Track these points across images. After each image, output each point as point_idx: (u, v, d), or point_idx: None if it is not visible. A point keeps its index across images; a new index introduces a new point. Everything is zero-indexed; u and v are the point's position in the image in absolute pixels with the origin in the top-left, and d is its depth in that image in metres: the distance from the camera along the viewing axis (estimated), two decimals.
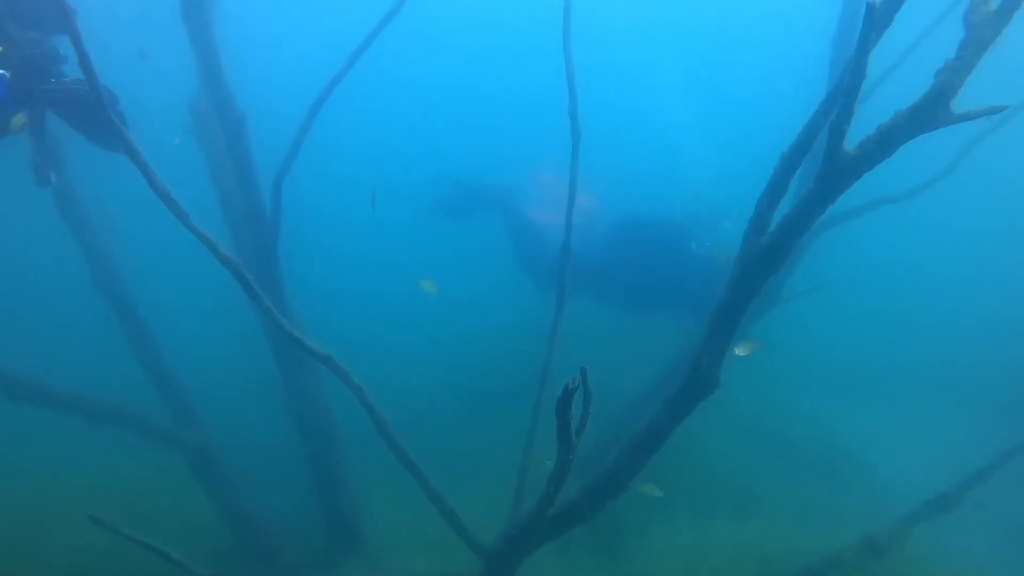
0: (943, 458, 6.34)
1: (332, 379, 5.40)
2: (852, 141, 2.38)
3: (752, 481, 6.89)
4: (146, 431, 5.55)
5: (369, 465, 6.01)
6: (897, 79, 5.93)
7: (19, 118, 3.43)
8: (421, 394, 8.12)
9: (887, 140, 2.30)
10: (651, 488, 4.32)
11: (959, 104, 2.25)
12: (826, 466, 7.47)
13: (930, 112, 2.20)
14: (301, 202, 4.96)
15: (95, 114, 3.34)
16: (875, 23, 2.06)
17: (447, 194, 8.30)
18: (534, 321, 4.88)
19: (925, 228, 14.09)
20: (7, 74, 3.26)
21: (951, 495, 4.13)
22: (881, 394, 9.04)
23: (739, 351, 3.26)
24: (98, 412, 5.30)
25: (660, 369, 6.61)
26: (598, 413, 2.49)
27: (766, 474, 7.23)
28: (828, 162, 2.38)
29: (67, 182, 5.54)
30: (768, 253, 2.78)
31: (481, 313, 10.58)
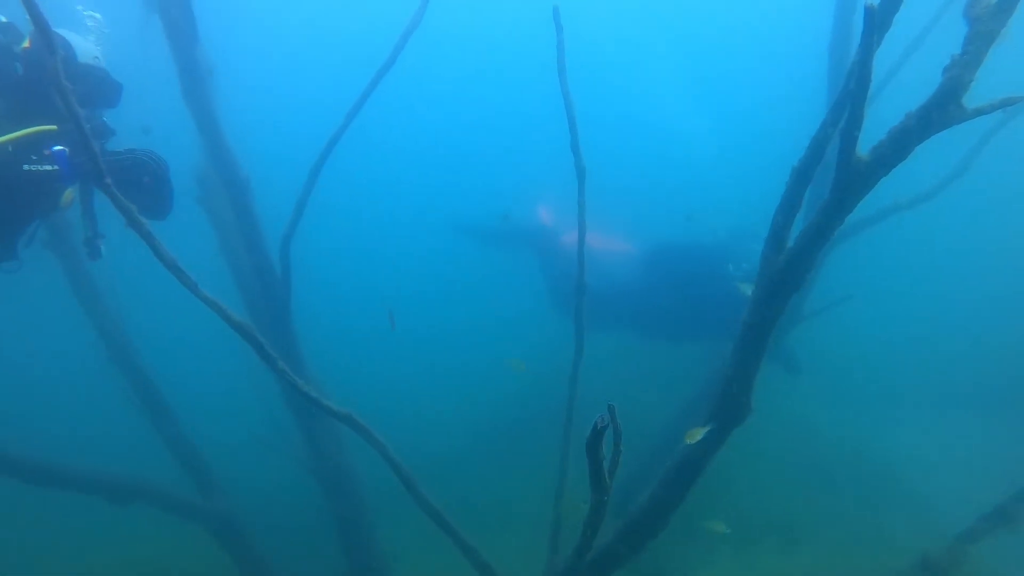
0: (988, 472, 6.10)
1: (353, 436, 5.36)
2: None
3: (792, 508, 6.64)
4: (169, 505, 5.47)
5: (396, 520, 5.87)
6: (898, 81, 5.91)
7: (68, 194, 3.49)
8: (446, 440, 8.00)
9: (900, 143, 2.24)
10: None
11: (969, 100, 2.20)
12: (868, 487, 7.21)
13: (942, 110, 2.14)
14: (315, 249, 4.96)
15: (146, 183, 3.43)
16: (875, 26, 2.02)
17: (483, 225, 8.38)
18: (556, 359, 4.80)
19: (959, 234, 13.88)
20: (66, 149, 3.31)
21: (1008, 509, 3.93)
22: (916, 409, 8.78)
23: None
24: (120, 490, 5.23)
25: (685, 400, 6.46)
26: (627, 450, 2.39)
27: (806, 500, 6.98)
28: (842, 170, 2.31)
29: (79, 261, 5.58)
30: (788, 270, 2.71)
31: (503, 353, 10.50)
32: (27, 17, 3.91)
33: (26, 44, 3.43)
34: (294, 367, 4.40)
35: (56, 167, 3.26)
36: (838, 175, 2.37)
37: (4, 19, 3.50)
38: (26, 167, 3.21)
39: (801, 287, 2.72)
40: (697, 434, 3.25)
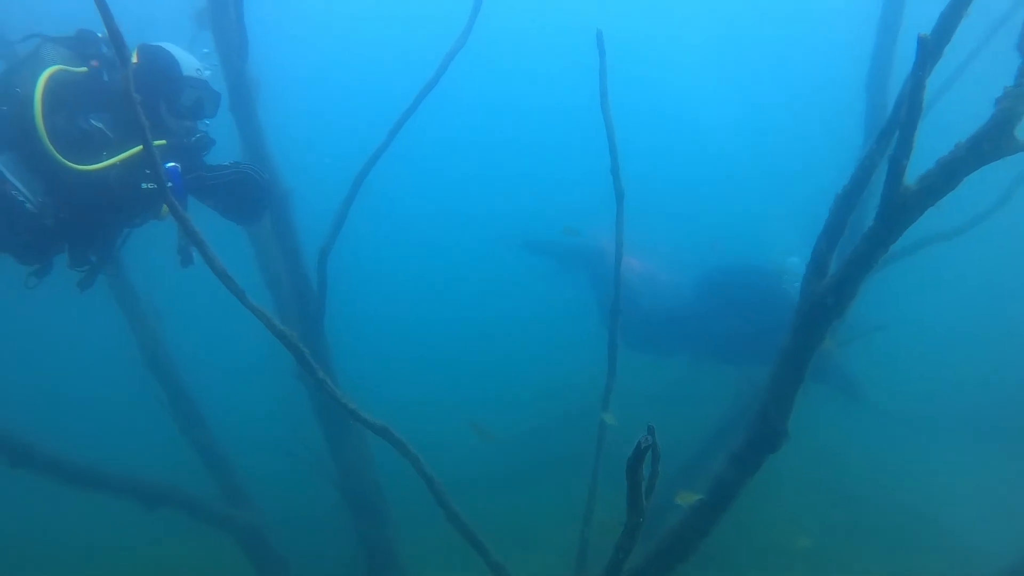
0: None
1: (380, 452, 5.38)
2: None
3: (823, 542, 6.51)
4: (198, 512, 5.53)
5: (418, 537, 5.88)
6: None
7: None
8: (472, 458, 7.98)
9: (950, 173, 2.23)
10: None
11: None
12: (899, 521, 7.04)
13: (993, 141, 2.13)
14: (350, 262, 5.05)
15: (246, 195, 3.54)
16: (928, 56, 2.03)
17: (538, 247, 8.44)
18: (586, 380, 4.80)
19: (998, 265, 13.65)
20: (178, 166, 3.37)
21: None
22: (949, 442, 8.58)
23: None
24: (152, 495, 5.30)
25: (716, 424, 6.39)
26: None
27: (835, 531, 6.85)
28: (889, 199, 2.31)
29: (120, 268, 5.70)
30: (830, 297, 2.70)
31: (534, 373, 10.50)
32: (134, 31, 4.06)
33: (133, 59, 3.48)
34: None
35: (169, 184, 3.34)
36: (884, 203, 2.37)
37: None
38: (144, 185, 3.27)
39: (844, 314, 2.71)
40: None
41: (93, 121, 3.28)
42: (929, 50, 2.08)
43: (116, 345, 6.29)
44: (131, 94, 2.27)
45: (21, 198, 3.27)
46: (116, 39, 2.24)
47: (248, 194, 3.58)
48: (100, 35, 3.51)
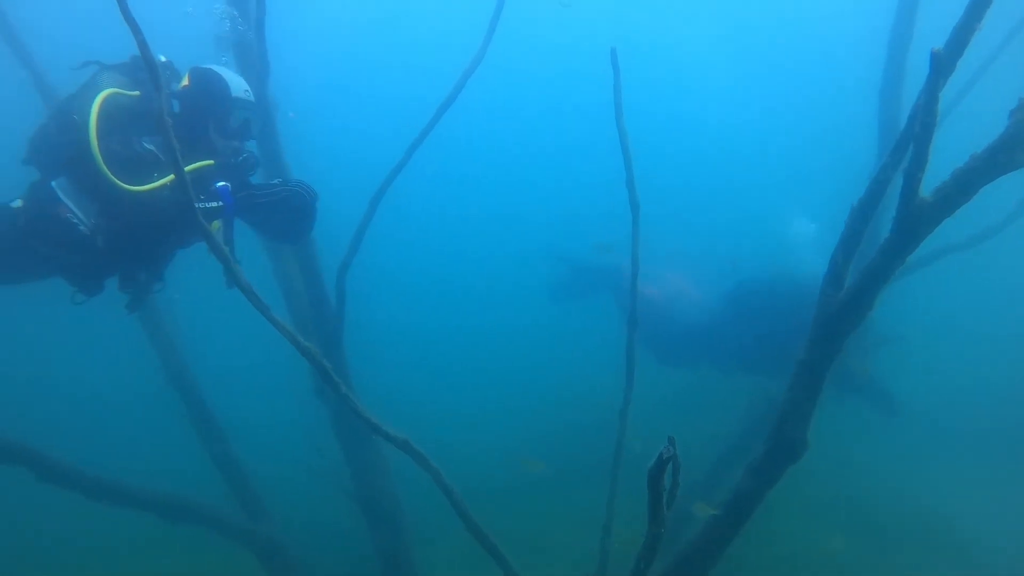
0: None
1: (397, 465, 5.41)
2: None
3: (842, 556, 6.45)
4: (218, 525, 5.59)
5: (435, 544, 5.89)
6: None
7: (216, 224, 3.59)
8: (489, 471, 8.01)
9: (965, 184, 2.26)
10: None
11: None
12: (917, 535, 6.97)
13: (1009, 152, 2.16)
14: (361, 270, 5.10)
15: (297, 211, 3.58)
16: (941, 70, 2.07)
17: (562, 276, 8.47)
18: (604, 390, 4.82)
19: (1008, 273, 13.53)
20: (229, 185, 3.44)
21: None
22: (966, 454, 8.49)
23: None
24: (174, 509, 5.37)
25: (734, 436, 6.37)
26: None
27: (853, 543, 6.78)
28: (905, 211, 2.34)
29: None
30: (847, 308, 2.72)
31: (552, 385, 10.51)
32: (187, 56, 4.13)
33: (184, 82, 3.58)
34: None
35: (220, 203, 3.38)
36: (900, 215, 2.39)
37: (164, 58, 3.63)
38: (198, 205, 3.36)
39: (860, 325, 2.72)
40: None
41: (145, 143, 3.35)
42: (942, 65, 2.11)
43: (137, 360, 6.39)
44: (164, 117, 2.34)
45: (75, 220, 3.35)
46: (149, 62, 2.32)
47: (296, 212, 3.61)
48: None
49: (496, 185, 21.63)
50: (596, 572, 4.01)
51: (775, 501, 3.22)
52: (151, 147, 3.36)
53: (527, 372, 11.14)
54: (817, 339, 2.82)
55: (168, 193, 3.26)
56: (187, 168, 3.28)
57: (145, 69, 2.36)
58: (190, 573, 6.82)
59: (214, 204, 3.37)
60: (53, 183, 3.43)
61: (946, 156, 2.50)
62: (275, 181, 3.63)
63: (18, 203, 3.53)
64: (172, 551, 6.81)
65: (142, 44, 2.27)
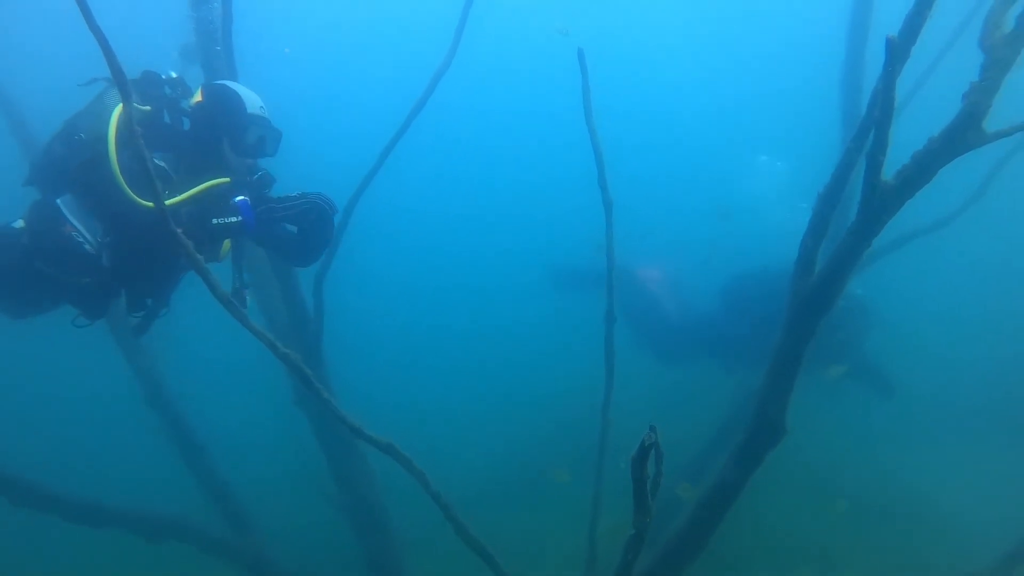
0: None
1: (383, 470, 5.39)
2: None
3: (828, 537, 6.56)
4: (203, 542, 5.52)
5: (424, 548, 5.88)
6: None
7: (227, 244, 3.51)
8: (474, 472, 8.01)
9: (924, 166, 2.33)
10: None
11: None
12: (903, 513, 7.10)
13: (963, 135, 2.24)
14: (341, 270, 5.05)
15: (316, 225, 3.46)
16: (896, 57, 2.14)
17: (560, 271, 8.50)
18: (586, 390, 4.85)
19: (988, 255, 13.77)
20: (248, 200, 3.32)
21: None
22: (950, 434, 8.65)
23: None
24: (154, 527, 5.29)
25: (716, 428, 6.46)
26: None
27: (841, 526, 6.89)
28: (868, 194, 2.41)
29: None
30: (819, 292, 2.79)
31: (533, 384, 10.53)
32: (201, 71, 4.01)
33: (197, 98, 3.48)
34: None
35: (240, 218, 3.26)
36: (864, 199, 2.46)
37: (174, 74, 3.55)
38: (215, 221, 3.23)
39: (832, 308, 2.79)
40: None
41: (156, 160, 3.25)
42: (897, 51, 2.18)
43: (112, 372, 6.29)
44: (134, 127, 2.32)
45: (80, 239, 3.27)
46: (116, 72, 2.29)
47: (316, 227, 3.49)
48: (164, 76, 3.50)
49: (475, 186, 21.66)
50: (586, 566, 4.04)
51: (758, 486, 3.28)
52: (162, 164, 3.27)
53: (511, 370, 11.15)
54: (791, 324, 2.88)
55: (187, 209, 3.18)
56: (203, 186, 3.22)
57: (115, 82, 2.31)
58: None
59: (233, 219, 3.25)
60: (58, 201, 3.34)
61: (908, 141, 2.57)
62: (294, 194, 3.48)
63: (20, 223, 3.45)
64: (155, 572, 6.70)
65: (108, 52, 2.25)
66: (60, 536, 5.51)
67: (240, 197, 3.31)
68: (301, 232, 3.55)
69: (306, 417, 5.54)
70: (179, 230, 2.49)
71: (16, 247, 3.35)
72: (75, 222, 3.29)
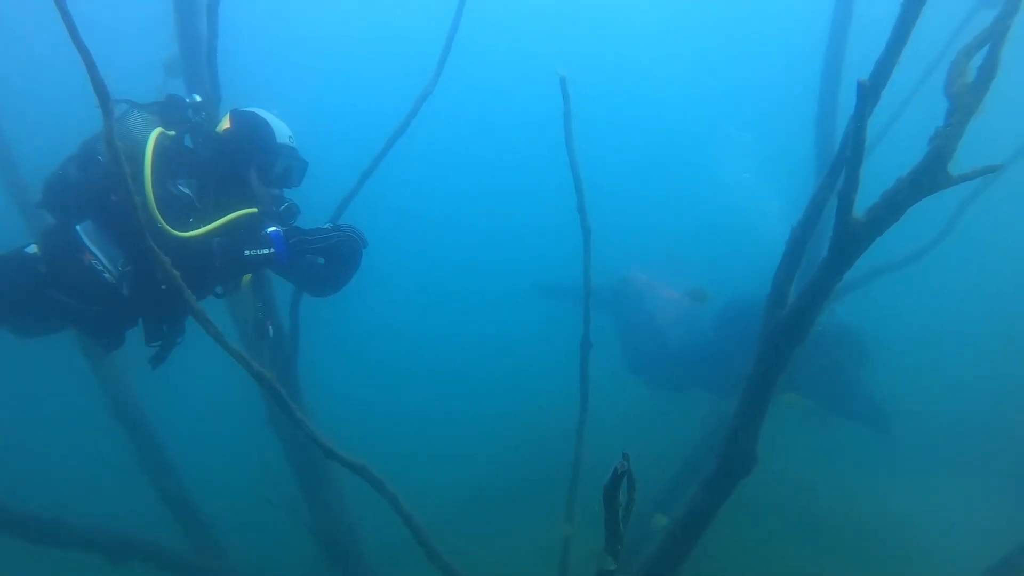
0: (990, 536, 6.10)
1: (355, 496, 5.34)
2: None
3: (807, 563, 6.59)
4: (168, 564, 5.40)
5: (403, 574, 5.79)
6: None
7: (247, 275, 3.44)
8: (446, 496, 7.94)
9: (893, 205, 2.41)
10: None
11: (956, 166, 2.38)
12: (876, 543, 7.16)
13: (930, 176, 2.32)
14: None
15: (346, 258, 3.38)
16: (867, 99, 2.22)
17: (554, 291, 8.51)
18: (557, 413, 4.87)
19: (965, 287, 14.01)
20: (281, 231, 3.24)
21: (1012, 561, 3.96)
22: (915, 469, 8.76)
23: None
24: (118, 547, 5.17)
25: (687, 455, 6.49)
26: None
27: (804, 559, 6.93)
28: (840, 230, 2.48)
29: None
30: (791, 325, 2.84)
31: (507, 408, 10.51)
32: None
33: (225, 125, 3.39)
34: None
35: (272, 250, 3.19)
36: (836, 235, 2.53)
37: (198, 98, 3.48)
38: (247, 252, 3.15)
39: (804, 340, 2.85)
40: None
41: (181, 187, 3.17)
42: (868, 94, 2.26)
43: (78, 390, 6.17)
44: (114, 142, 2.31)
45: (100, 267, 3.16)
46: (99, 90, 2.30)
47: (346, 260, 3.41)
48: (188, 100, 3.42)
49: (456, 201, 21.68)
50: None
51: (729, 514, 3.30)
52: (187, 190, 3.18)
53: (489, 390, 11.12)
54: (763, 355, 2.93)
55: (219, 239, 3.11)
56: (231, 216, 3.14)
57: (100, 102, 2.29)
58: None
59: (266, 251, 3.17)
60: (78, 227, 3.22)
61: (878, 180, 2.66)
62: (326, 226, 3.41)
63: (33, 249, 3.31)
64: None
65: (92, 69, 2.25)
66: (18, 557, 5.34)
67: (272, 228, 3.24)
68: (329, 264, 3.46)
69: (278, 438, 5.48)
70: (156, 248, 2.46)
71: (32, 274, 3.23)
72: (95, 250, 3.18)
